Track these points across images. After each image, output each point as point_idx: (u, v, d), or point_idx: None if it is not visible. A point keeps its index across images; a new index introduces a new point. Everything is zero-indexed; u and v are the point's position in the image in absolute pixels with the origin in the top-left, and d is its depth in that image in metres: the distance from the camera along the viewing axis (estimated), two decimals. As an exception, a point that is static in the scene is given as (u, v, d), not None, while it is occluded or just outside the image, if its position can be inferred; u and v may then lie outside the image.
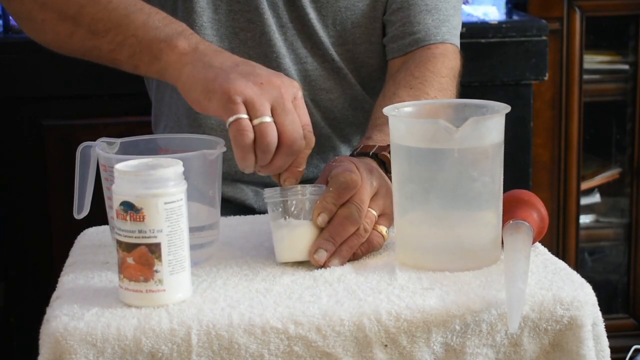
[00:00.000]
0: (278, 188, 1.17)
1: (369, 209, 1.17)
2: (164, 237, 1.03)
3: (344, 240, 1.15)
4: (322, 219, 1.15)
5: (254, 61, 1.47)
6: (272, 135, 1.12)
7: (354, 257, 1.17)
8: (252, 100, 1.12)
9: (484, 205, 1.13)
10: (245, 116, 1.12)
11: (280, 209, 1.16)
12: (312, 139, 1.16)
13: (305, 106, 1.17)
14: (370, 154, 1.27)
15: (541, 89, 2.50)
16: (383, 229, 1.18)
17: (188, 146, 1.19)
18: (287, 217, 1.16)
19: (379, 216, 1.18)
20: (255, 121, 1.12)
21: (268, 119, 1.12)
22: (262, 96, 1.13)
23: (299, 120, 1.14)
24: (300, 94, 1.17)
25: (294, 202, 1.16)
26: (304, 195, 1.16)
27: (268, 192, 1.17)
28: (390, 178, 1.23)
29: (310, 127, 1.16)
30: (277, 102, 1.13)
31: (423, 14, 1.48)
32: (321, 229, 1.15)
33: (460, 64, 1.50)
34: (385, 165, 1.26)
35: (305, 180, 1.20)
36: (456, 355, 1.05)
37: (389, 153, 1.26)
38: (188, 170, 1.08)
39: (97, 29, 1.27)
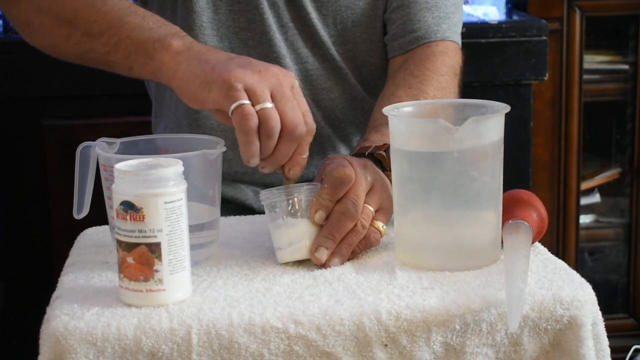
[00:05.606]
0: (274, 189, 1.17)
1: (365, 204, 1.17)
2: (164, 236, 1.03)
3: (343, 237, 1.15)
4: (319, 215, 1.15)
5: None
6: (276, 120, 1.13)
7: (353, 255, 1.17)
8: (253, 87, 1.14)
9: (484, 204, 1.13)
10: (248, 102, 1.13)
11: (277, 210, 1.16)
12: (313, 126, 1.18)
13: (302, 95, 1.18)
14: (366, 154, 1.27)
15: (541, 89, 2.50)
16: (380, 224, 1.18)
17: (188, 146, 1.19)
18: (284, 217, 1.16)
19: (375, 211, 1.18)
20: (258, 107, 1.13)
21: (270, 104, 1.14)
22: (261, 83, 1.14)
23: (299, 108, 1.16)
24: (296, 83, 1.18)
25: (291, 201, 1.16)
26: (299, 194, 1.16)
27: (264, 194, 1.17)
28: (387, 176, 1.23)
29: (309, 114, 1.18)
30: (277, 90, 1.15)
31: (423, 11, 1.49)
32: (319, 227, 1.15)
33: (462, 62, 1.50)
34: (382, 163, 1.26)
35: (304, 180, 1.20)
36: (456, 355, 1.05)
37: (385, 152, 1.26)
38: (188, 170, 1.08)
39: (92, 31, 1.28)
